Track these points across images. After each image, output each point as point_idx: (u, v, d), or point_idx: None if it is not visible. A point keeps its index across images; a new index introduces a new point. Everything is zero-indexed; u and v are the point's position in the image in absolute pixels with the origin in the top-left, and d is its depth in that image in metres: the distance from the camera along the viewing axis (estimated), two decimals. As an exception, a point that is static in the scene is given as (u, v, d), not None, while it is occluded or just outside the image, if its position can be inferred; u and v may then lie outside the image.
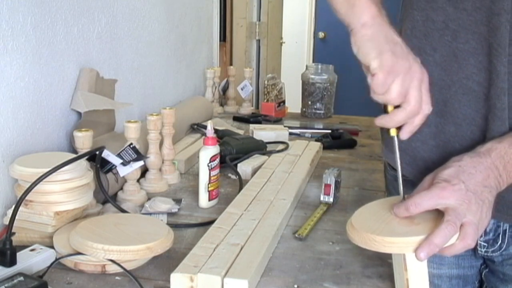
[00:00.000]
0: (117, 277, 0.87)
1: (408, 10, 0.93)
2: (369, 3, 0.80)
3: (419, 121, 0.80)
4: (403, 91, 0.77)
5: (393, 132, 0.82)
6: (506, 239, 0.93)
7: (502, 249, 0.94)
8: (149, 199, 1.19)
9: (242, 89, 2.18)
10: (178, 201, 1.19)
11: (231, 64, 3.08)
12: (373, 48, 0.77)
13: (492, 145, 0.80)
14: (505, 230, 0.93)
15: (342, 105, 2.44)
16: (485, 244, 0.95)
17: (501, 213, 0.88)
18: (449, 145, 0.89)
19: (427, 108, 0.79)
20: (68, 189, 0.96)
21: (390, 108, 0.80)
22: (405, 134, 0.81)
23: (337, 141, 1.73)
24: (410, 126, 0.80)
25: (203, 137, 1.21)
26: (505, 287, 0.97)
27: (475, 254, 0.98)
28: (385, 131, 0.88)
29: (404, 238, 0.74)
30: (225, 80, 2.24)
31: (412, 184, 0.84)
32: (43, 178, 0.90)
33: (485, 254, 0.96)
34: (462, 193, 0.74)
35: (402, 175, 0.84)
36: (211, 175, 1.17)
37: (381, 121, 0.81)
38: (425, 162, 0.92)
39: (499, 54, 0.81)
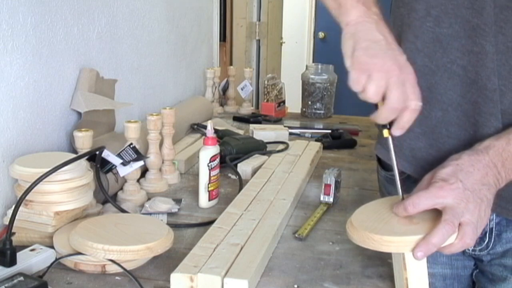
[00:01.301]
0: (117, 277, 0.87)
1: (394, 10, 0.94)
2: (355, 3, 0.81)
3: (408, 117, 0.79)
4: (379, 89, 0.77)
5: (386, 134, 0.83)
6: (493, 238, 0.92)
7: (489, 248, 0.93)
8: (149, 199, 1.19)
9: (242, 89, 2.18)
10: (178, 201, 1.19)
11: (231, 64, 3.08)
12: (350, 47, 0.79)
13: (490, 143, 0.80)
14: (492, 228, 0.92)
15: (342, 105, 2.44)
16: None
17: (503, 209, 0.87)
18: (436, 131, 0.89)
19: (413, 104, 0.79)
20: (68, 189, 0.96)
21: (379, 104, 0.80)
22: (395, 131, 0.81)
23: (337, 141, 1.73)
24: (399, 123, 0.80)
25: (203, 137, 1.21)
26: (494, 287, 0.96)
27: (464, 253, 0.98)
28: (380, 129, 0.89)
29: (402, 237, 0.74)
30: (225, 80, 2.24)
31: (406, 179, 0.84)
32: (43, 178, 0.90)
33: (473, 253, 0.96)
34: (460, 192, 0.74)
35: (402, 179, 0.83)
36: (211, 175, 1.17)
37: (372, 117, 0.82)
38: (411, 151, 0.92)
39: (487, 34, 0.81)
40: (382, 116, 0.80)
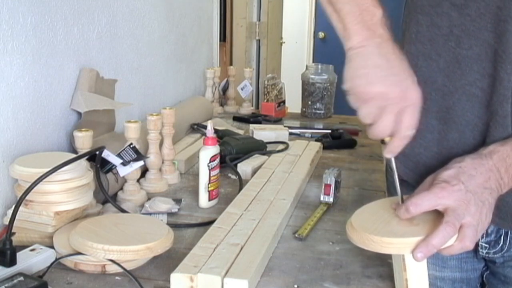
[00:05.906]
0: (117, 277, 0.87)
1: (412, 13, 0.92)
2: (359, 28, 0.78)
3: (397, 143, 0.79)
4: (371, 115, 0.78)
5: (387, 139, 0.83)
6: (508, 241, 0.92)
7: (504, 251, 0.93)
8: (149, 199, 1.19)
9: (242, 89, 2.19)
10: (178, 201, 1.19)
11: (231, 64, 3.08)
12: (348, 72, 0.79)
13: (495, 148, 0.79)
14: (507, 232, 0.92)
15: (342, 105, 2.42)
16: (486, 245, 0.94)
17: (505, 221, 0.87)
18: (452, 151, 0.88)
19: (405, 131, 0.78)
20: (68, 189, 0.96)
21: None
22: (386, 153, 0.81)
23: (337, 141, 1.73)
24: (389, 147, 0.80)
25: (203, 137, 1.21)
26: None
27: (477, 256, 0.98)
28: None
29: (402, 238, 0.74)
30: (225, 80, 2.24)
31: (414, 188, 0.84)
32: (43, 178, 0.90)
33: (487, 255, 0.96)
34: (462, 194, 0.74)
35: (404, 181, 0.83)
36: (211, 175, 1.17)
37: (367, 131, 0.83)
38: (427, 168, 0.91)
39: (503, 61, 0.80)
40: (370, 134, 0.81)
